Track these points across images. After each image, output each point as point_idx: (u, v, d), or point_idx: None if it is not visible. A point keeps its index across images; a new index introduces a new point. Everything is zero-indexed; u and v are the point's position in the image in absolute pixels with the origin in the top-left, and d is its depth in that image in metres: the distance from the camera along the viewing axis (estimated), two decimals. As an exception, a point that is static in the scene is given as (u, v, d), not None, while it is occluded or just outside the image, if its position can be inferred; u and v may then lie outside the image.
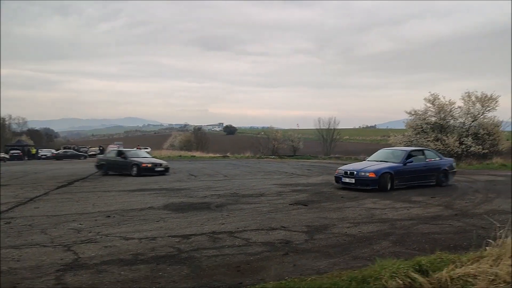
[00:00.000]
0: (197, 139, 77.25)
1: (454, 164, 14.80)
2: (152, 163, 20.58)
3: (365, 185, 12.41)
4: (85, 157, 54.13)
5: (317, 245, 6.07)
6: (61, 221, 8.01)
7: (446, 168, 14.11)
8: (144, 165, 19.97)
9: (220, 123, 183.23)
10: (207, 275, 4.70)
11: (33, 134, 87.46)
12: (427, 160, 13.80)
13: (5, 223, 7.86)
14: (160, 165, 20.82)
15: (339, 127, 61.67)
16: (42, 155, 56.95)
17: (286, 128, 78.48)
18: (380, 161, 13.57)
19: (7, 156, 52.54)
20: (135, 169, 19.83)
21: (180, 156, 47.84)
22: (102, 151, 58.25)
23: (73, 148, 60.77)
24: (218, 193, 12.20)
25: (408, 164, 13.07)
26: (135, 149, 28.35)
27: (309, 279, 4.38)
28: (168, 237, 6.52)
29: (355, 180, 12.65)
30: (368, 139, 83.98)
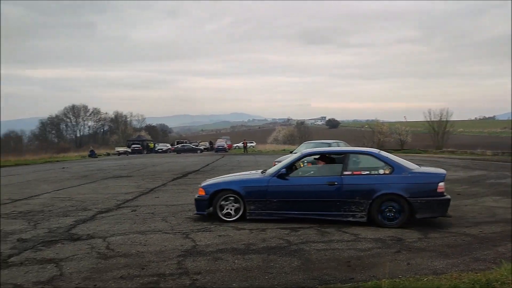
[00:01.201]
0: (300, 133, 77.74)
1: (438, 183, 6.86)
2: None
3: (196, 206, 7.90)
4: (201, 150, 57.47)
5: (432, 244, 5.74)
6: (178, 210, 8.68)
7: (401, 193, 6.80)
8: None
9: (322, 117, 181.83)
10: (317, 268, 4.74)
11: (151, 130, 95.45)
12: (345, 173, 7.12)
13: (132, 211, 8.75)
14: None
15: (452, 118, 57.11)
16: (158, 149, 61.98)
17: (393, 120, 74.96)
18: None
19: (129, 150, 58.25)
20: None
21: (283, 150, 48.54)
22: (212, 146, 61.53)
23: (185, 142, 65.06)
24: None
25: (288, 178, 7.39)
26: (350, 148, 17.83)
27: (426, 279, 4.18)
28: (277, 229, 6.68)
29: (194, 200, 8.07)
30: (486, 132, 76.73)
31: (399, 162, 7.35)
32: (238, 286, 4.26)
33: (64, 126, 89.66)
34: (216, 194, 7.53)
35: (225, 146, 55.22)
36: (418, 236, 6.18)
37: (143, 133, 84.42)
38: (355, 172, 7.19)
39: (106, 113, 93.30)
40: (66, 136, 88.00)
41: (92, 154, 48.00)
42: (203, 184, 8.02)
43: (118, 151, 56.91)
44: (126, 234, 6.57)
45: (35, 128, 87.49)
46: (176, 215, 8.12)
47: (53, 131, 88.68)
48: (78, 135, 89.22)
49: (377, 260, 4.99)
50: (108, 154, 54.90)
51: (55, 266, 4.98)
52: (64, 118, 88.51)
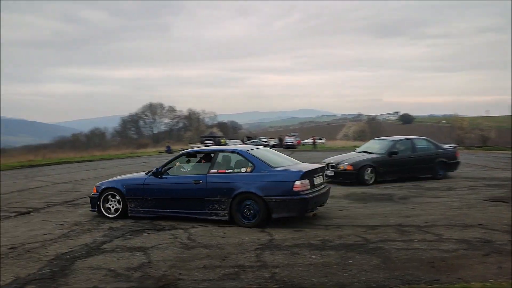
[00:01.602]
0: (371, 128, 75.49)
1: (294, 182, 6.63)
2: None
3: (90, 204, 8.20)
4: (271, 147, 57.92)
5: (525, 247, 5.33)
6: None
7: (256, 192, 6.74)
8: None
9: (395, 112, 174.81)
10: (398, 267, 4.61)
11: (222, 126, 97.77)
12: (211, 171, 7.23)
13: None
14: None
15: (544, 112, 52.26)
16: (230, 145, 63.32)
17: (474, 115, 70.24)
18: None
19: (202, 146, 60.22)
20: None
21: (354, 146, 47.44)
22: (281, 142, 61.77)
23: (255, 139, 65.86)
24: (399, 185, 11.73)
25: (165, 177, 7.59)
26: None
27: (521, 284, 3.91)
28: (354, 226, 6.58)
29: (89, 197, 8.52)
30: None
31: (263, 160, 7.09)
32: (318, 281, 4.27)
33: (142, 123, 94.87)
34: (103, 192, 7.89)
35: (294, 142, 55.15)
36: (509, 238, 5.77)
37: (215, 129, 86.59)
38: (220, 171, 7.20)
39: (180, 110, 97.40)
40: (144, 133, 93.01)
41: (169, 150, 50.22)
42: (98, 183, 8.32)
43: (192, 147, 59.05)
44: (206, 226, 6.84)
45: (117, 125, 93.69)
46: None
47: (133, 128, 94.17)
48: (155, 131, 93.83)
49: (464, 262, 4.74)
50: (183, 150, 57.11)
51: (143, 254, 5.33)
52: (143, 116, 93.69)
